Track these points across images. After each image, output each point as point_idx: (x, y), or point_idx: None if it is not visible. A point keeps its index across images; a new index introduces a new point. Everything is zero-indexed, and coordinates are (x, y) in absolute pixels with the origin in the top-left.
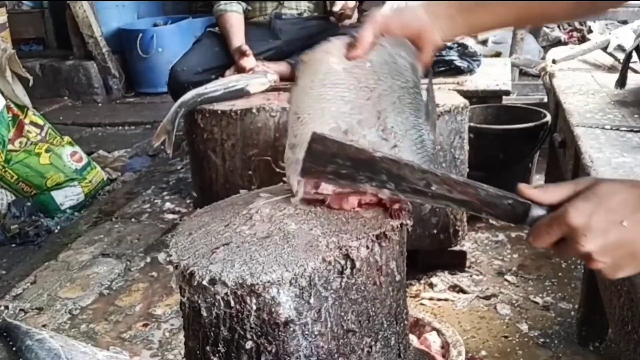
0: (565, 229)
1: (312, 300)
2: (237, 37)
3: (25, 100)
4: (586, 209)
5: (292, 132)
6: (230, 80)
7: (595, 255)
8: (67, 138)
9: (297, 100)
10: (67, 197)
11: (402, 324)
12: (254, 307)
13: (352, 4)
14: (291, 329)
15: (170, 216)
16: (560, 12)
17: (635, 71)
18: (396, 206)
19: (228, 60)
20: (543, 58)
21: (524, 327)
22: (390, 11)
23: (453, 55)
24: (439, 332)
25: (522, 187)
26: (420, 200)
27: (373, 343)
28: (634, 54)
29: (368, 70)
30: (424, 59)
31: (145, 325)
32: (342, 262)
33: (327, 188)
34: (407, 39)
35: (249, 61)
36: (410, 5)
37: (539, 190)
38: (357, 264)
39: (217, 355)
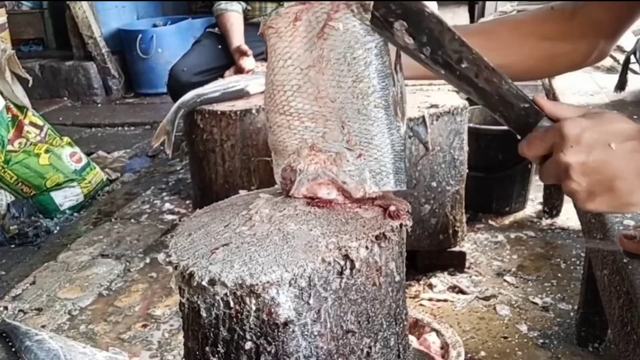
0: (557, 138)
1: (311, 301)
2: (237, 36)
3: (25, 100)
4: (582, 123)
5: (269, 136)
6: (230, 81)
7: (573, 172)
8: (66, 139)
9: (265, 102)
10: (66, 197)
11: (401, 325)
12: (254, 308)
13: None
14: (290, 330)
15: (170, 217)
16: None
17: (634, 72)
18: (393, 207)
19: (228, 61)
20: None
21: (524, 327)
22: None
23: None
24: (438, 332)
25: (539, 97)
26: (445, 78)
27: (372, 344)
28: (633, 57)
29: (326, 73)
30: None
31: (144, 325)
32: (342, 262)
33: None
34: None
35: (248, 62)
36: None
37: (554, 103)
38: (357, 265)
39: (216, 355)
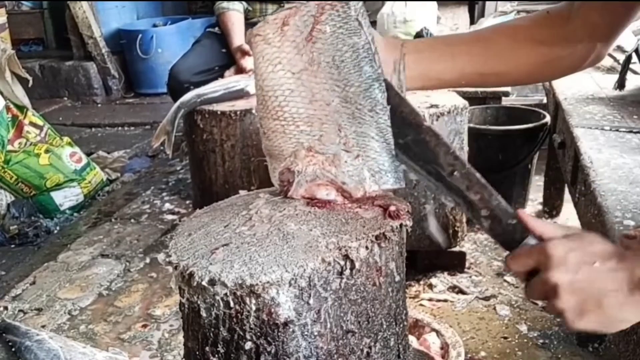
0: (542, 258)
1: (311, 301)
2: (238, 36)
3: (25, 100)
4: (567, 244)
5: (263, 141)
6: (230, 81)
7: (562, 291)
8: (66, 139)
9: (257, 108)
10: (66, 197)
11: (401, 325)
12: (254, 308)
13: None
14: (290, 330)
15: (170, 217)
16: None
17: (635, 72)
18: (393, 207)
19: (228, 61)
20: None
21: (523, 327)
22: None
23: None
24: (438, 333)
25: (523, 213)
26: (435, 188)
27: (372, 344)
28: (634, 56)
29: (319, 76)
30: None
31: (144, 326)
32: (342, 262)
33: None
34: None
35: (250, 61)
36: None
37: (538, 222)
38: (357, 265)
39: (216, 355)
